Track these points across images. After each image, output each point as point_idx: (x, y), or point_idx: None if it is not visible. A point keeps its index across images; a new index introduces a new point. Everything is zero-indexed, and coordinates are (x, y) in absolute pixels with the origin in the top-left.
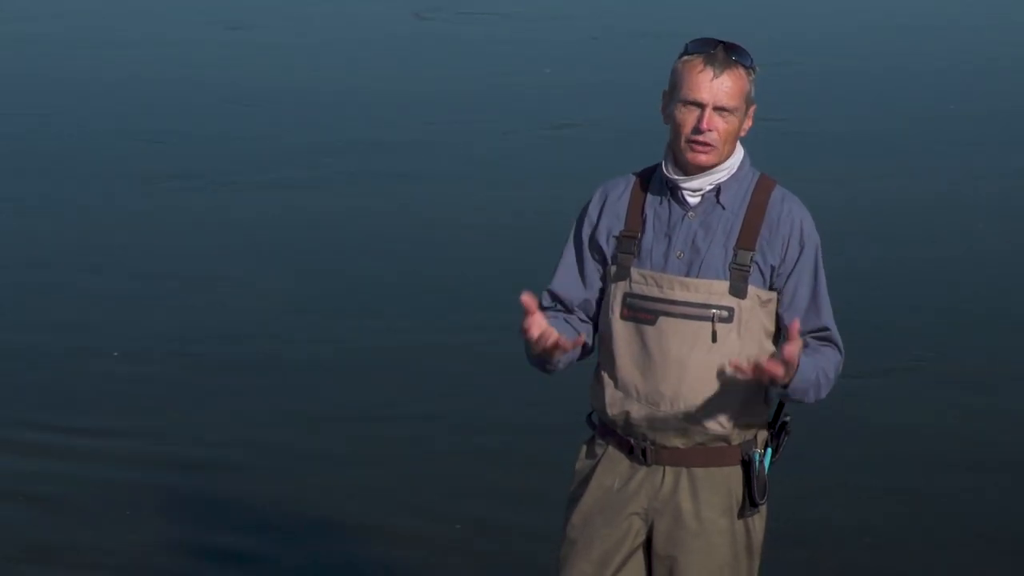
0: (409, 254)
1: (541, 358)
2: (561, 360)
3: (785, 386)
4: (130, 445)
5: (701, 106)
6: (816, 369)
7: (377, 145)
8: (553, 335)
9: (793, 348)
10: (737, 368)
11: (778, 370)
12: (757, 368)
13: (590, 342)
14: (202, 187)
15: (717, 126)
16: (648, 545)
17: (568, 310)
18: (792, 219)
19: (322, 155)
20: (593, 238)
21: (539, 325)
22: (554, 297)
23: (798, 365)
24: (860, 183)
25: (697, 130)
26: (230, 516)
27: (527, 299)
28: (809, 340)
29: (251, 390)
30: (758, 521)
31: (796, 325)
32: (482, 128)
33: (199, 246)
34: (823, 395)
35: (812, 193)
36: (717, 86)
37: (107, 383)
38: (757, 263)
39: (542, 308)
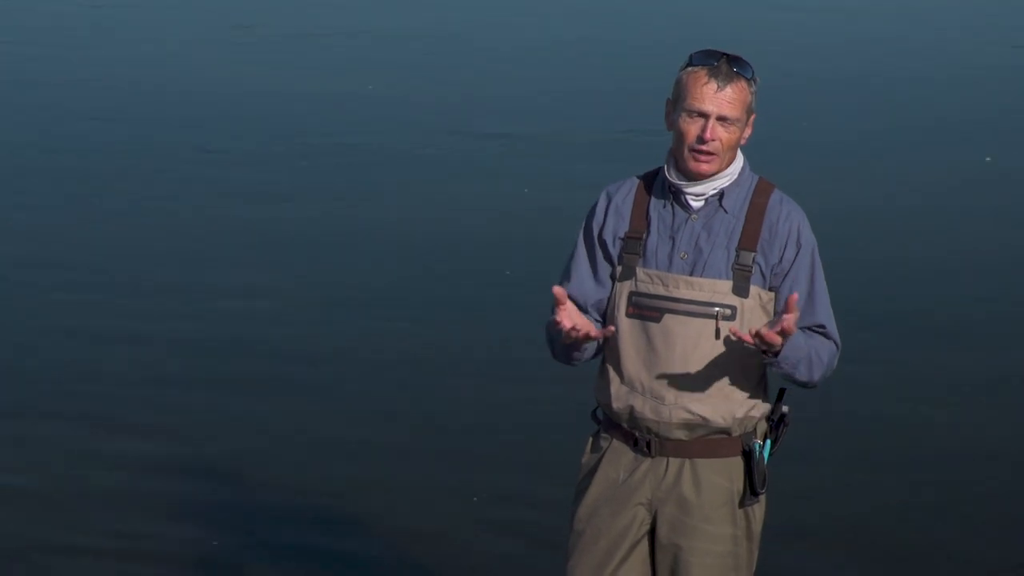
0: (402, 256)
1: (568, 350)
2: (587, 350)
3: (776, 354)
4: (142, 444)
5: (705, 116)
6: (808, 346)
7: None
8: (587, 326)
9: (791, 318)
10: (738, 337)
11: (775, 339)
12: (757, 336)
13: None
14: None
15: (719, 136)
16: (652, 534)
17: (582, 310)
18: (790, 221)
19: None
20: (601, 238)
21: (571, 316)
22: (569, 298)
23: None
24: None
25: (700, 139)
26: (239, 511)
27: (558, 291)
28: (806, 330)
29: (262, 390)
30: (758, 510)
31: (794, 297)
32: (317, 141)
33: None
34: (815, 376)
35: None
36: (720, 97)
37: (121, 383)
38: (758, 264)
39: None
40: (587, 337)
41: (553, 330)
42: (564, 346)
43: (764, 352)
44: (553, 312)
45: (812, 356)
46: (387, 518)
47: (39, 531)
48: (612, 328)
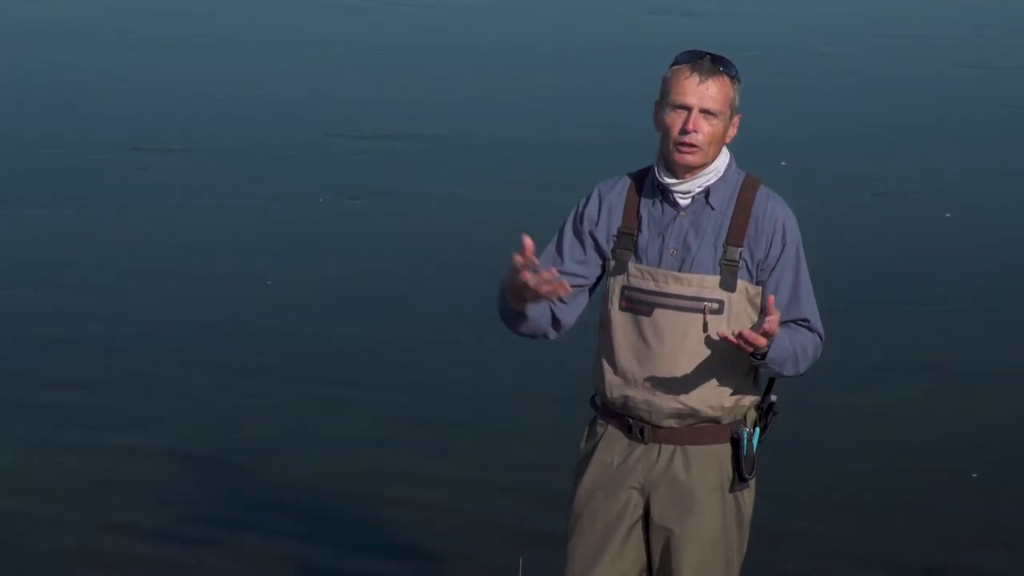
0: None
1: (518, 307)
2: (534, 316)
3: (763, 355)
4: (149, 433)
5: (688, 109)
6: (793, 343)
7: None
8: (551, 275)
9: (773, 319)
10: (724, 338)
11: (759, 340)
12: (740, 337)
13: (562, 320)
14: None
15: (702, 128)
16: (646, 518)
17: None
18: (776, 218)
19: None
20: (590, 233)
21: (532, 267)
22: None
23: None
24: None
25: (684, 131)
26: (244, 492)
27: (528, 241)
28: (790, 324)
29: (267, 377)
30: (747, 496)
31: (772, 299)
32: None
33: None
34: (801, 370)
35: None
36: (703, 90)
37: (123, 371)
38: (745, 259)
39: None
40: (551, 291)
41: (509, 278)
42: (514, 303)
43: (752, 355)
44: (512, 263)
45: (798, 353)
46: (395, 506)
47: (45, 514)
48: (567, 287)
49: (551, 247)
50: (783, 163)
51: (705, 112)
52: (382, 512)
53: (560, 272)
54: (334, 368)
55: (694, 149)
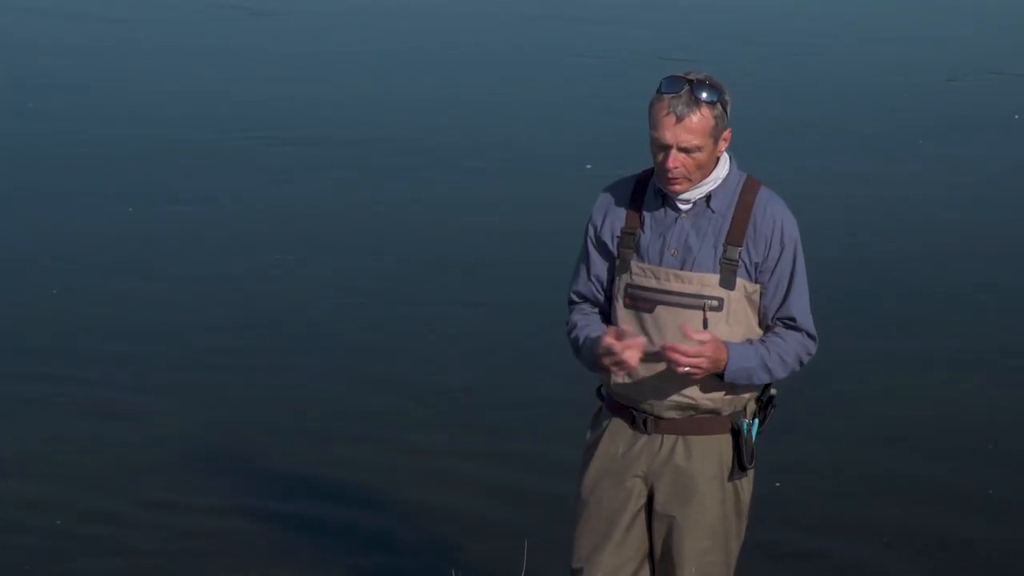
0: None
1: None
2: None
3: (720, 376)
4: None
5: (667, 147)
6: (757, 355)
7: None
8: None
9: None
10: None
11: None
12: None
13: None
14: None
15: (682, 163)
16: (649, 506)
17: (593, 303)
18: (774, 220)
19: None
20: (599, 238)
21: (633, 356)
22: (580, 296)
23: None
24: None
25: (665, 167)
26: (243, 486)
27: (619, 340)
28: (774, 324)
29: (267, 373)
30: (746, 485)
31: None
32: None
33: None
34: (783, 373)
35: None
36: (679, 129)
37: (148, 365)
38: (744, 259)
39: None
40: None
41: (607, 361)
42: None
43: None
44: (605, 350)
45: (767, 362)
46: (399, 493)
47: (65, 499)
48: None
49: (580, 266)
50: (588, 166)
51: (683, 149)
52: (386, 498)
53: (592, 279)
54: (333, 363)
55: (680, 179)
